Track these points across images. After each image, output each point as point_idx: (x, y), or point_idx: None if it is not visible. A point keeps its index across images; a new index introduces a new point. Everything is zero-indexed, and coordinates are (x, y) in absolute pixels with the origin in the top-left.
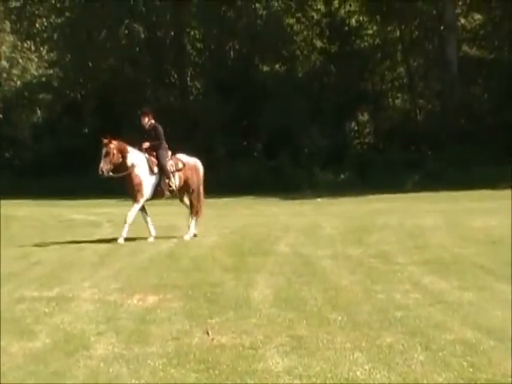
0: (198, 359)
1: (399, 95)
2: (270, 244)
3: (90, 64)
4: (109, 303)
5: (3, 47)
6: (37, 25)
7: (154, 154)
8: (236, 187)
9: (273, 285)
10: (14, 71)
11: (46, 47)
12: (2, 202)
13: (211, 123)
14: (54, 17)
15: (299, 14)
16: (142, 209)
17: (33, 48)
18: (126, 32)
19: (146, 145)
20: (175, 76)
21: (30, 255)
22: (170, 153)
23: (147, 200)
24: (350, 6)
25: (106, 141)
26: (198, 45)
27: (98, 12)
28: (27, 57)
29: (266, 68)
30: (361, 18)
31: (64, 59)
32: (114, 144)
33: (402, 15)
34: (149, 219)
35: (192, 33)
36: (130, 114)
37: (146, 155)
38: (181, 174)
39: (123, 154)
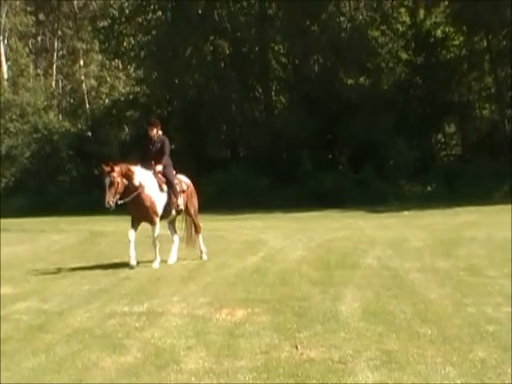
0: (288, 373)
1: (487, 105)
2: (356, 257)
3: (176, 80)
4: (198, 317)
5: (92, 66)
6: (124, 43)
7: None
8: (321, 200)
9: (361, 298)
10: (102, 89)
11: (133, 65)
12: (92, 218)
13: (296, 137)
14: (140, 35)
15: (384, 27)
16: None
17: (120, 66)
18: (211, 48)
19: (159, 169)
20: (260, 90)
21: (120, 271)
22: (174, 172)
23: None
24: (436, 17)
25: (107, 169)
26: (283, 59)
27: (183, 29)
28: (115, 75)
29: (350, 81)
30: (446, 29)
31: (151, 76)
32: (116, 172)
33: (489, 25)
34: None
35: (276, 48)
36: (216, 129)
37: (153, 172)
38: (184, 195)
39: (128, 176)
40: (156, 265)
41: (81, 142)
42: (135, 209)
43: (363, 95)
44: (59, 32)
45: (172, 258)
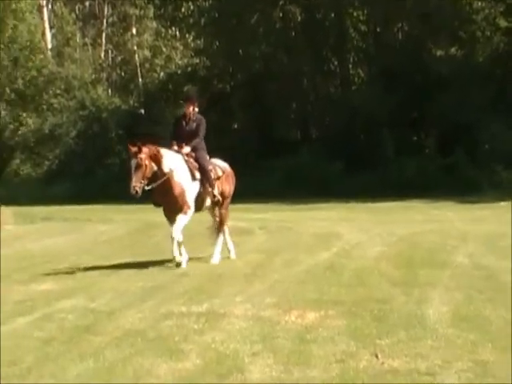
0: None
1: None
2: (445, 254)
3: (240, 51)
4: (264, 320)
5: (145, 35)
6: (182, 9)
7: (193, 155)
8: (404, 189)
9: (450, 301)
10: (157, 61)
11: (192, 34)
12: (144, 206)
13: (375, 116)
14: (201, 0)
15: None
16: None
17: (177, 35)
18: (281, 15)
19: (187, 150)
20: (335, 63)
21: (176, 266)
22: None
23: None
24: None
25: (134, 149)
26: (362, 27)
27: None
28: (171, 45)
29: (439, 52)
30: None
31: (211, 47)
32: (144, 152)
33: None
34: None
35: (355, 14)
36: (284, 106)
37: (184, 156)
38: (219, 183)
39: (157, 160)
40: (181, 262)
41: (132, 120)
42: (164, 198)
43: (454, 68)
44: None
45: (215, 258)
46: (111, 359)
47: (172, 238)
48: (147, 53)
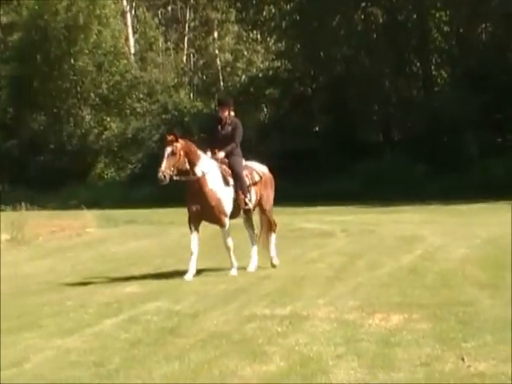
0: None
1: None
2: None
3: (322, 54)
4: (347, 323)
5: (227, 38)
6: (264, 13)
7: (226, 160)
8: (488, 190)
9: None
10: (239, 64)
11: (273, 37)
12: None
13: (459, 117)
14: (282, 3)
15: None
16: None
17: (259, 38)
18: (362, 17)
19: (221, 155)
20: (418, 65)
21: (259, 269)
22: (244, 161)
23: None
24: None
25: (170, 137)
26: (445, 28)
27: None
28: (253, 48)
29: None
30: None
31: (293, 49)
32: (180, 143)
33: None
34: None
35: (437, 15)
36: (366, 109)
37: (218, 163)
38: (257, 188)
39: (191, 158)
40: (233, 272)
41: (214, 123)
42: (196, 203)
43: None
44: (191, 1)
45: (252, 265)
46: (196, 361)
47: (228, 248)
48: (229, 56)
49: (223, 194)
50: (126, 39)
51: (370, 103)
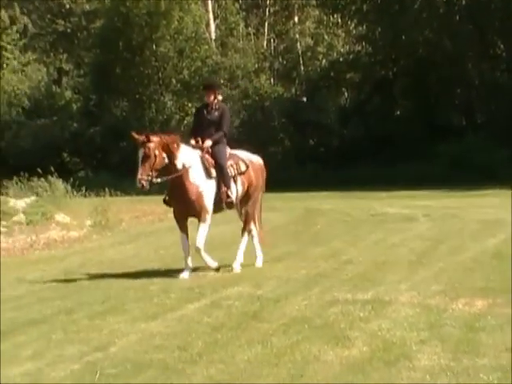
0: None
1: None
2: None
3: (403, 37)
4: (430, 308)
5: (307, 23)
6: None
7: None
8: None
9: None
10: (319, 49)
11: (354, 21)
12: (307, 194)
13: None
14: None
15: None
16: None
17: (339, 22)
18: None
19: (208, 144)
20: (501, 46)
21: (340, 253)
22: (228, 150)
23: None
24: None
25: (141, 138)
26: None
27: None
28: (333, 32)
29: None
30: None
31: (374, 33)
32: (153, 141)
33: None
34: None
35: None
36: (448, 92)
37: (200, 153)
38: (244, 178)
39: (171, 151)
40: (212, 264)
41: (295, 108)
42: (177, 200)
43: None
44: None
45: (237, 263)
46: (279, 345)
47: (197, 249)
48: (309, 41)
49: (205, 188)
50: (207, 25)
51: (452, 87)
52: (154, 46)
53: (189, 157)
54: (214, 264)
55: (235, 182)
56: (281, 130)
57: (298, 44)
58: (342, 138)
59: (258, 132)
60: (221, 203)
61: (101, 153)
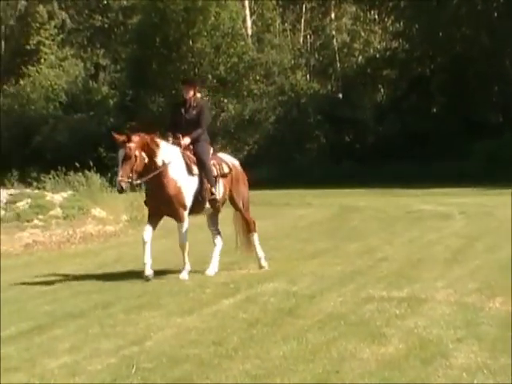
0: None
1: None
2: None
3: (441, 34)
4: (466, 306)
5: (344, 19)
6: None
7: (191, 147)
8: None
9: None
10: (356, 45)
11: (391, 17)
12: (342, 190)
13: None
14: None
15: None
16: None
17: (376, 18)
18: None
19: (187, 142)
20: None
21: (375, 250)
22: (211, 149)
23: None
24: None
25: (122, 138)
26: None
27: None
28: (370, 29)
29: None
30: None
31: (411, 29)
32: (134, 141)
33: None
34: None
35: None
36: (486, 89)
37: (180, 149)
38: (226, 182)
39: (151, 150)
40: (184, 275)
41: (331, 105)
42: (155, 197)
43: None
44: None
45: (212, 268)
46: (314, 342)
47: (182, 246)
48: (346, 37)
49: (185, 184)
50: (244, 21)
51: (489, 83)
52: (191, 42)
53: (169, 153)
54: (186, 270)
55: (217, 182)
56: (316, 126)
57: (335, 40)
58: (378, 134)
59: (294, 129)
60: (203, 202)
61: None
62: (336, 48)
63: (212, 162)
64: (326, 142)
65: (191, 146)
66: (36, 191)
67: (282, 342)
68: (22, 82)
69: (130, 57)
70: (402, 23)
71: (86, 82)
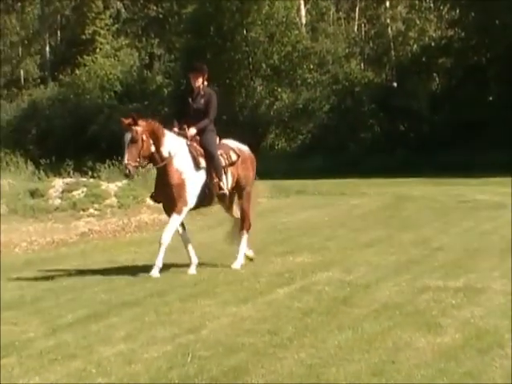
0: None
1: None
2: None
3: (497, 22)
4: None
5: (399, 7)
6: None
7: (197, 138)
8: None
9: None
10: (411, 34)
11: (446, 5)
12: (397, 180)
13: None
14: None
15: None
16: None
17: (432, 6)
18: None
19: (193, 132)
20: None
21: (430, 240)
22: (218, 138)
23: (193, 209)
24: None
25: (127, 121)
26: None
27: None
28: (425, 17)
29: None
30: None
31: (467, 18)
32: (141, 125)
33: None
34: (189, 244)
35: None
36: None
37: (187, 141)
38: (234, 169)
39: (157, 138)
40: (155, 273)
41: (385, 94)
42: (162, 191)
43: None
44: None
45: (238, 261)
46: (370, 331)
47: (160, 244)
48: (401, 25)
49: (190, 177)
50: (298, 9)
51: None
52: (245, 31)
53: (175, 144)
54: (159, 264)
55: (225, 173)
56: (371, 115)
57: (389, 29)
58: (433, 123)
59: (348, 117)
60: (211, 196)
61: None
62: (391, 36)
63: (219, 151)
64: (380, 131)
65: (198, 137)
66: (91, 180)
67: (336, 332)
68: (77, 72)
69: (184, 46)
70: (457, 11)
71: (141, 71)
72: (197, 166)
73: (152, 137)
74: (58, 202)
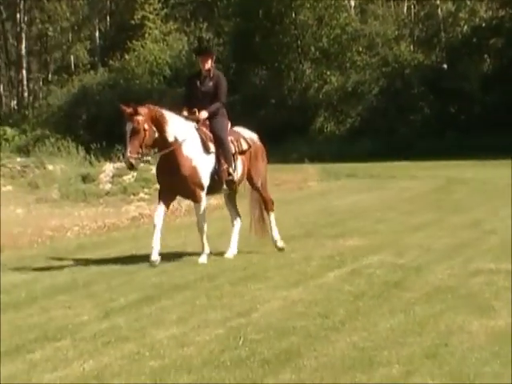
0: None
1: None
2: None
3: None
4: None
5: None
6: None
7: (207, 123)
8: None
9: None
10: (461, 14)
11: None
12: (447, 162)
13: None
14: None
15: None
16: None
17: None
18: None
19: (204, 116)
20: None
21: (482, 223)
22: (229, 124)
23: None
24: None
25: (129, 110)
26: None
27: None
28: None
29: None
30: None
31: None
32: (142, 114)
33: None
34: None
35: None
36: None
37: (195, 124)
38: (244, 158)
39: (160, 125)
40: (203, 259)
41: (435, 75)
42: (168, 173)
43: None
44: None
45: (231, 250)
46: (422, 315)
47: (200, 230)
48: (451, 6)
49: (201, 163)
50: None
51: None
52: (294, 14)
53: (182, 129)
54: (207, 251)
55: (235, 160)
56: (421, 97)
57: (439, 10)
58: (484, 105)
59: (398, 100)
60: (220, 183)
61: (241, 121)
62: (441, 17)
63: (230, 138)
64: (430, 113)
65: (207, 122)
66: (141, 165)
67: (388, 315)
68: (126, 57)
69: (233, 30)
70: None
71: (190, 55)
72: (206, 151)
73: (155, 124)
74: (108, 186)
